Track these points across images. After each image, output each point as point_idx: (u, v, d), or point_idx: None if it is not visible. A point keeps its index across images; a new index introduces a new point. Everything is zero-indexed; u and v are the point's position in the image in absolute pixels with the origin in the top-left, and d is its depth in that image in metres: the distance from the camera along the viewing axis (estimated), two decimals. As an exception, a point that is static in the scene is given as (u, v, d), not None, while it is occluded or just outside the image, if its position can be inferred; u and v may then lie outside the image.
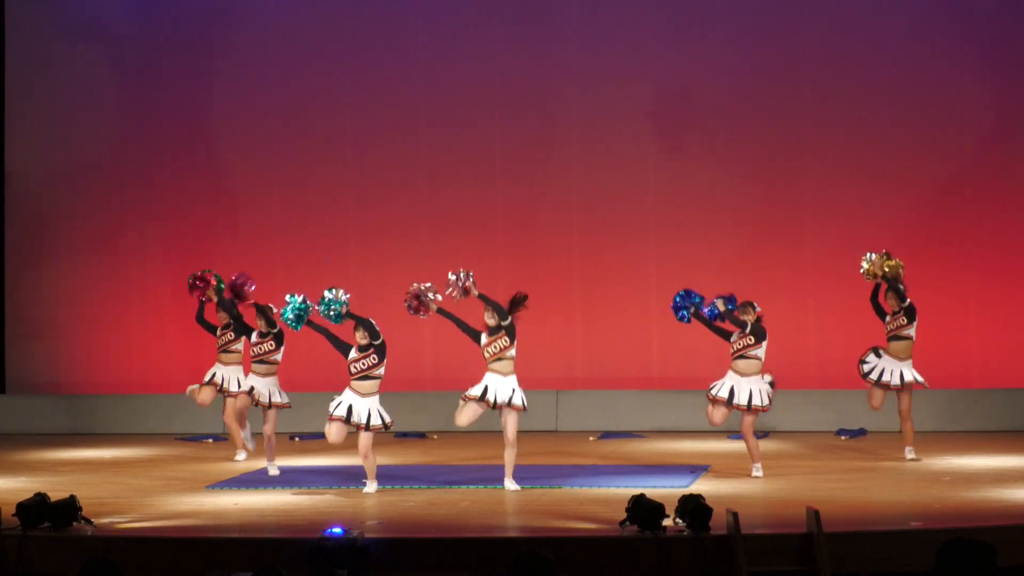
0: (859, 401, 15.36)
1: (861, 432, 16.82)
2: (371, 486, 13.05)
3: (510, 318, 13.01)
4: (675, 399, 17.46)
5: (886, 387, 14.65)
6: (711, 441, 16.18)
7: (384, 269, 18.28)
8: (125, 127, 18.77)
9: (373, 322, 13.00)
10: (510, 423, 13.02)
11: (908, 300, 14.63)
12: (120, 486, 13.72)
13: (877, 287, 14.75)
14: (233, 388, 15.02)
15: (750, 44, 18.11)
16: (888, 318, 14.79)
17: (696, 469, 14.17)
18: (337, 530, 9.91)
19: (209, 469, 14.51)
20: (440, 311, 13.09)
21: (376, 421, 12.99)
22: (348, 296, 13.04)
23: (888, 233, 17.73)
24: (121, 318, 18.67)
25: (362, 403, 13.00)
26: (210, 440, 17.17)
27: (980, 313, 17.85)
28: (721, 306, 13.65)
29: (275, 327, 14.33)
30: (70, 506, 10.97)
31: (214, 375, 15.31)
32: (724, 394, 13.62)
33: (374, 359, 12.98)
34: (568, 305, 18.22)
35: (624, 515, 10.58)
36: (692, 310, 13.72)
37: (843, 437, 16.54)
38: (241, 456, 15.51)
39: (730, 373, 13.70)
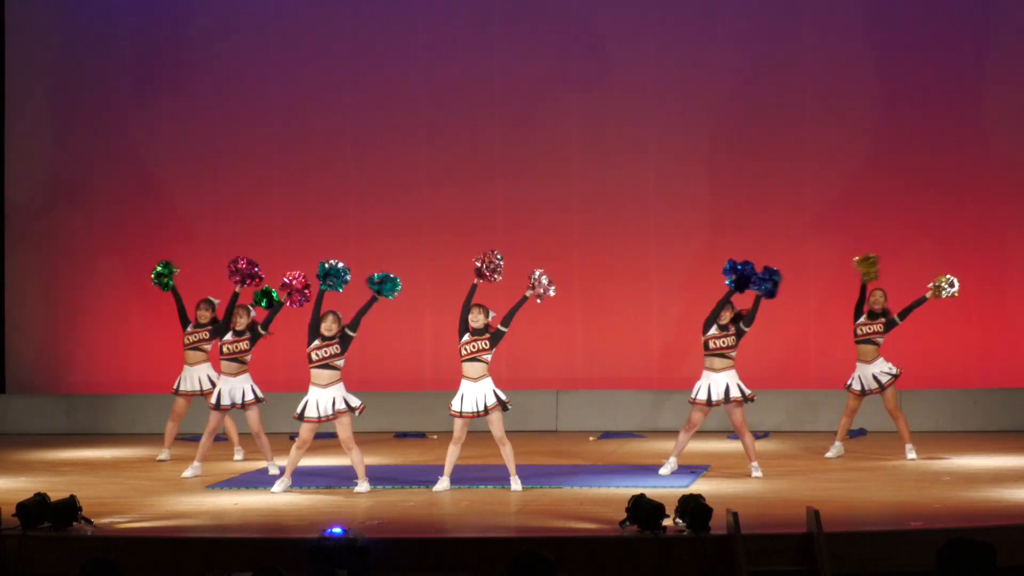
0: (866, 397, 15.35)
1: (861, 432, 16.82)
2: (363, 485, 13.05)
3: (508, 329, 13.05)
4: (675, 399, 17.43)
5: (862, 394, 14.88)
6: (711, 441, 16.18)
7: (384, 269, 18.25)
8: (126, 128, 18.76)
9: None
10: (494, 424, 13.07)
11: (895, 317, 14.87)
12: (120, 486, 13.72)
13: (864, 288, 14.88)
14: (208, 388, 15.01)
15: (750, 44, 18.10)
16: (863, 319, 14.88)
17: (696, 469, 14.17)
18: (337, 530, 9.91)
19: (209, 469, 14.50)
20: (475, 285, 13.15)
21: (341, 406, 13.00)
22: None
23: (889, 232, 17.74)
24: (121, 318, 18.67)
25: (325, 394, 12.99)
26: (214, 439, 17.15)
27: (980, 313, 17.84)
28: (760, 286, 13.73)
29: (250, 324, 14.42)
30: (70, 506, 10.98)
31: (182, 381, 15.38)
32: (703, 397, 13.78)
33: (337, 348, 12.98)
34: (568, 305, 18.21)
35: (624, 515, 10.58)
36: (737, 277, 13.79)
37: (845, 437, 16.53)
38: (239, 455, 15.52)
39: (705, 373, 13.79)
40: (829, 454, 15.13)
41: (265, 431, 14.52)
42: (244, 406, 14.37)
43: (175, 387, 15.46)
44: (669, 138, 18.23)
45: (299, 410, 13.06)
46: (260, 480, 13.81)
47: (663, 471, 13.92)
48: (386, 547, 10.22)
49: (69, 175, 18.77)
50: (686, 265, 18.09)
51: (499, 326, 13.07)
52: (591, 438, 17.35)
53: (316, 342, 13.04)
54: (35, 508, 10.84)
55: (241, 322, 14.38)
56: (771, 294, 13.90)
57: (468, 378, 13.11)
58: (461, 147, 18.45)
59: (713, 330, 13.83)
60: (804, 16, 18.11)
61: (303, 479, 13.64)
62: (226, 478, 14.09)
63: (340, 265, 13.29)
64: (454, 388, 13.15)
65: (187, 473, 14.23)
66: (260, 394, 14.46)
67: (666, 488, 12.47)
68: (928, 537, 10.16)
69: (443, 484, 13.08)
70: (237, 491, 13.30)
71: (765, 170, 18.11)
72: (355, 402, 13.13)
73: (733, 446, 15.54)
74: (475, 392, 13.07)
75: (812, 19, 18.10)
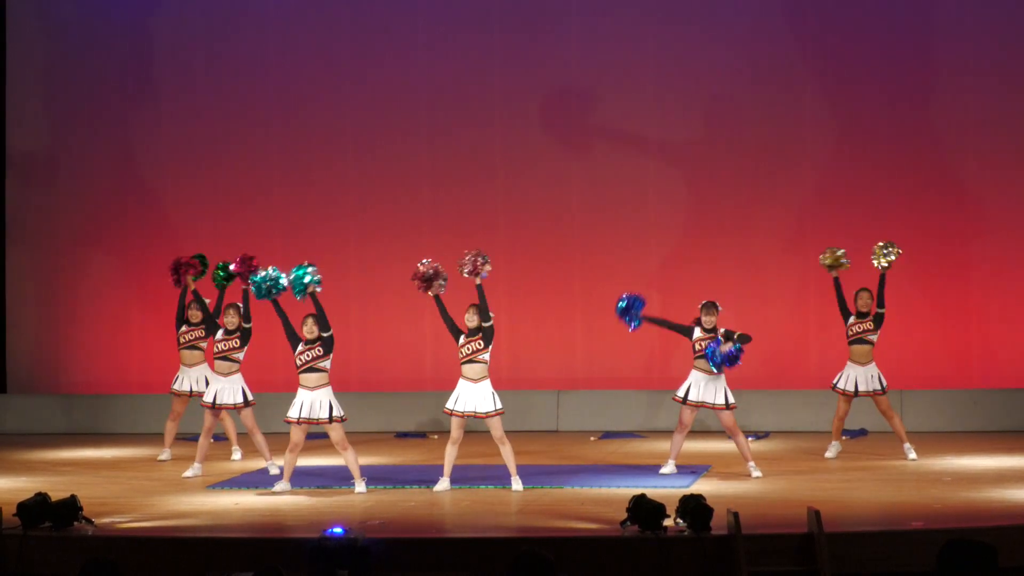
0: (860, 401, 15.34)
1: (862, 432, 16.82)
2: (360, 485, 13.05)
3: (491, 321, 13.04)
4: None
5: (852, 396, 14.89)
6: (712, 441, 16.18)
7: (384, 269, 18.28)
8: (126, 128, 18.75)
9: (324, 314, 13.00)
10: (493, 426, 13.06)
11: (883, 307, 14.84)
12: (121, 486, 13.72)
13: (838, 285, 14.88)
14: (203, 390, 14.94)
15: (750, 46, 18.09)
16: (852, 319, 14.89)
17: (697, 469, 14.17)
18: (338, 530, 9.90)
19: (209, 469, 14.50)
20: (437, 298, 13.11)
21: (337, 412, 12.99)
22: (319, 277, 13.08)
23: (889, 232, 17.71)
24: (122, 318, 18.67)
25: (314, 397, 12.98)
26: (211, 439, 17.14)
27: (981, 313, 17.84)
28: (725, 348, 13.70)
29: (215, 317, 14.43)
30: (71, 506, 10.98)
31: (178, 381, 15.37)
32: (695, 397, 13.79)
33: (319, 351, 12.97)
34: (569, 305, 18.21)
35: (625, 515, 10.58)
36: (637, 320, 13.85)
37: (844, 437, 16.51)
38: (237, 455, 15.52)
39: (693, 373, 13.81)
40: (828, 454, 15.13)
41: (263, 431, 14.53)
42: (235, 408, 14.39)
43: (172, 387, 15.47)
44: (670, 138, 18.22)
45: (289, 413, 13.05)
46: (261, 480, 13.81)
47: (663, 470, 13.92)
48: (387, 547, 10.22)
49: (69, 175, 18.75)
50: (687, 265, 18.09)
51: (481, 323, 13.05)
52: (592, 438, 17.34)
53: (300, 347, 13.04)
54: (36, 508, 10.84)
55: (231, 321, 14.39)
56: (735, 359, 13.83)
57: (467, 379, 13.11)
58: (461, 147, 18.45)
59: (698, 332, 13.86)
60: (806, 20, 18.10)
61: (303, 479, 13.64)
62: (226, 478, 14.09)
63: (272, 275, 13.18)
64: (454, 388, 13.14)
65: (188, 473, 14.23)
66: (250, 396, 14.45)
67: (667, 488, 12.47)
68: (929, 537, 10.16)
69: (443, 484, 13.08)
70: (238, 491, 13.30)
71: (766, 170, 18.09)
72: (339, 412, 13.07)
73: (734, 447, 15.52)
74: (472, 393, 13.06)
75: (813, 22, 18.08)
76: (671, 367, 18.03)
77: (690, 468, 14.17)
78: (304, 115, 18.63)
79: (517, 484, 13.04)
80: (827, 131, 18.02)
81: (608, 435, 17.49)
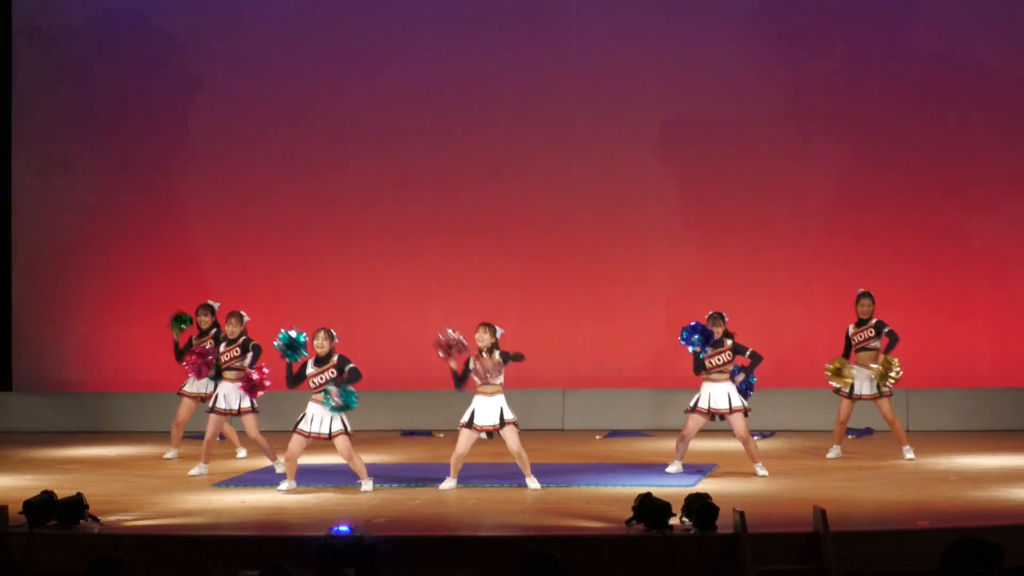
0: (864, 401, 15.32)
1: (868, 432, 16.82)
2: (367, 484, 13.07)
3: (508, 361, 13.02)
4: (682, 398, 17.36)
5: (856, 399, 14.91)
6: (718, 440, 16.16)
7: (385, 268, 18.29)
8: (129, 129, 18.74)
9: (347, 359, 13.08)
10: (510, 438, 13.04)
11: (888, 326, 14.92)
12: (127, 484, 13.74)
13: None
14: (222, 405, 14.81)
15: (754, 49, 18.06)
16: (853, 329, 14.94)
17: (703, 468, 14.18)
18: (344, 528, 9.92)
19: (215, 467, 14.51)
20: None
21: (338, 427, 13.00)
22: (305, 339, 13.16)
23: (893, 232, 17.73)
24: (127, 316, 18.66)
25: (321, 410, 13.00)
26: (218, 438, 17.15)
27: (987, 312, 17.82)
28: (738, 380, 13.84)
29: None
30: (77, 504, 10.99)
31: (189, 383, 15.44)
32: (704, 405, 13.85)
33: (332, 373, 12.99)
34: (575, 304, 18.21)
35: (631, 514, 10.59)
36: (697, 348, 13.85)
37: (850, 436, 16.51)
38: (242, 453, 15.53)
39: (705, 384, 13.90)
40: (830, 455, 15.10)
41: (272, 430, 14.54)
42: (240, 412, 14.39)
43: (182, 387, 15.47)
44: (671, 138, 18.20)
45: (300, 426, 13.07)
46: (267, 478, 13.83)
47: (670, 469, 13.93)
48: (393, 545, 10.23)
49: (75, 174, 18.74)
50: (692, 263, 18.08)
51: (502, 359, 13.01)
52: (598, 437, 17.35)
53: (312, 369, 13.04)
54: (42, 506, 10.85)
55: (232, 330, 14.45)
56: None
57: (482, 393, 13.09)
58: (464, 148, 18.43)
59: (706, 349, 13.87)
60: (809, 25, 18.08)
61: (309, 477, 13.65)
62: (233, 476, 14.10)
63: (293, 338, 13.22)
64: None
65: (194, 472, 14.25)
66: (255, 404, 14.44)
67: (673, 487, 12.47)
68: (934, 536, 10.16)
69: (449, 483, 13.08)
70: (244, 489, 13.32)
71: (769, 170, 18.08)
72: (347, 426, 13.09)
73: (739, 445, 15.51)
74: (487, 407, 13.04)
75: (813, 25, 18.07)
76: (677, 366, 18.01)
77: (696, 467, 14.18)
78: (305, 115, 18.60)
79: (534, 483, 13.03)
80: (829, 131, 18.00)
81: (614, 433, 17.49)
